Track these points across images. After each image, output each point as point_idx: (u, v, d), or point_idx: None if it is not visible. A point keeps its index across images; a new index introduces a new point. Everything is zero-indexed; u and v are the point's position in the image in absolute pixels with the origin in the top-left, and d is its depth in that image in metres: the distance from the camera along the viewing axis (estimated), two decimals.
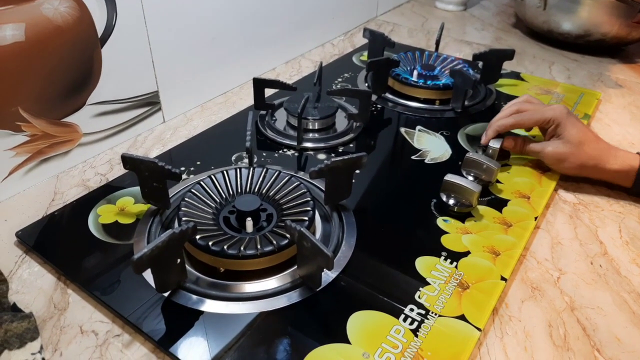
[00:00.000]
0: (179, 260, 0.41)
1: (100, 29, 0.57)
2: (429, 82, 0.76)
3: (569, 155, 0.57)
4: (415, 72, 0.79)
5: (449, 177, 0.53)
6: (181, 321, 0.40)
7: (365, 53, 0.89)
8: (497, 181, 0.58)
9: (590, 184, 0.60)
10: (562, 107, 0.59)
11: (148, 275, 0.43)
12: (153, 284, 0.42)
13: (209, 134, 0.67)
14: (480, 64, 0.79)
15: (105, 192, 0.54)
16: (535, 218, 0.53)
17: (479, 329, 0.40)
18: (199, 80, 0.73)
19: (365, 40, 0.85)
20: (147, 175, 0.49)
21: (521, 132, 0.67)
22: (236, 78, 0.80)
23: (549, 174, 0.60)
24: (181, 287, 0.42)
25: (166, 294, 0.42)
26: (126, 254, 0.46)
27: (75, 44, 0.55)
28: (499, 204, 0.55)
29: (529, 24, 1.04)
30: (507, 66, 0.83)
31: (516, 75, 0.85)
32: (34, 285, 0.44)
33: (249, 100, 0.74)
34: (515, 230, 0.51)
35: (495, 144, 0.60)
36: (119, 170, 0.59)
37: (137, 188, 0.52)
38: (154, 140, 0.66)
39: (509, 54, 0.77)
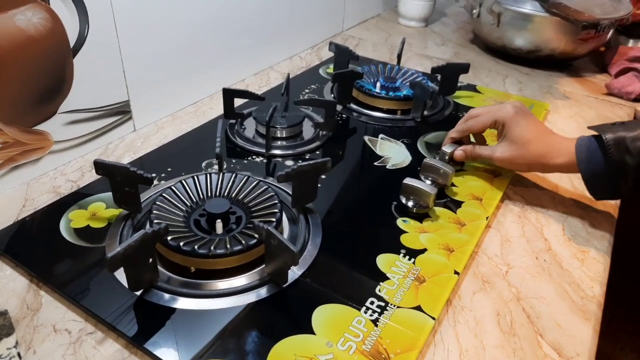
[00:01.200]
0: (151, 260, 0.43)
1: (72, 39, 0.59)
2: (390, 93, 0.80)
3: (516, 156, 0.59)
4: (378, 84, 0.83)
5: (408, 181, 0.57)
6: (154, 318, 0.42)
7: (332, 66, 0.93)
8: (453, 184, 0.62)
9: (537, 188, 0.65)
10: (511, 105, 0.60)
11: (120, 275, 0.44)
12: (126, 284, 0.43)
13: (180, 142, 0.69)
14: (439, 76, 0.84)
15: (77, 198, 0.56)
16: (487, 218, 0.57)
17: (433, 318, 0.44)
18: (170, 90, 0.75)
19: (332, 54, 0.89)
20: (119, 180, 0.50)
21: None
22: (206, 88, 0.82)
23: (500, 178, 0.65)
24: (153, 286, 0.44)
25: (139, 293, 0.43)
26: (98, 256, 0.48)
27: (47, 54, 0.56)
28: (454, 205, 0.59)
29: (485, 40, 1.11)
30: (464, 79, 0.88)
31: (472, 88, 0.91)
32: (7, 287, 0.45)
33: (219, 110, 0.76)
34: (468, 229, 0.55)
35: (447, 149, 0.64)
36: (90, 177, 0.60)
37: (109, 194, 0.53)
38: (125, 148, 0.67)
39: (464, 68, 0.83)
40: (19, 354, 0.37)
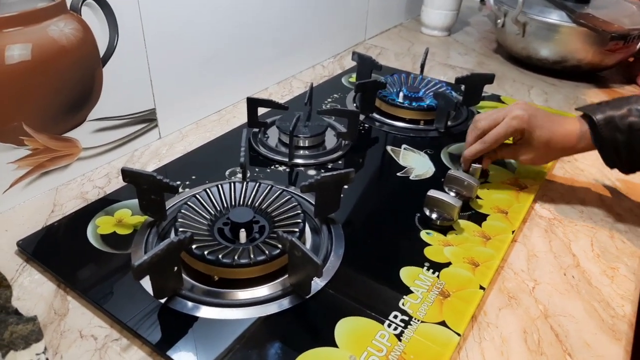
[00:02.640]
0: (176, 268, 0.43)
1: (102, 49, 0.60)
2: (414, 103, 0.80)
3: (541, 156, 0.62)
4: (401, 94, 0.83)
5: (432, 193, 0.56)
6: (177, 326, 0.42)
7: (354, 75, 0.93)
8: (477, 197, 0.61)
9: (564, 202, 0.64)
10: (520, 109, 0.60)
11: (145, 283, 0.45)
12: (150, 291, 0.44)
13: (204, 150, 0.69)
14: (463, 87, 0.83)
15: (103, 204, 0.56)
16: (513, 232, 0.56)
17: (458, 334, 0.43)
18: (195, 99, 0.76)
19: (354, 63, 0.89)
20: (146, 188, 0.51)
21: None
22: (230, 97, 0.83)
23: (526, 191, 0.63)
24: (177, 294, 0.44)
25: (163, 301, 0.44)
26: (124, 263, 0.48)
27: (78, 64, 0.58)
28: (479, 219, 0.58)
29: (509, 49, 1.10)
30: (488, 89, 0.87)
31: (497, 98, 0.90)
32: (35, 292, 0.45)
33: (242, 118, 0.77)
34: (493, 243, 0.54)
35: (476, 164, 0.63)
36: (117, 184, 0.61)
37: (134, 201, 0.54)
38: (150, 155, 0.68)
39: (489, 78, 0.82)
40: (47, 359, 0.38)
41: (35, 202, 0.57)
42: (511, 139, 0.63)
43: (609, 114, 0.57)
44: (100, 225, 0.53)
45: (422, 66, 0.88)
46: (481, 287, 0.48)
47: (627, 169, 0.59)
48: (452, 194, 0.60)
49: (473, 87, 0.82)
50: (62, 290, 0.46)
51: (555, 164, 0.72)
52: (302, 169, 0.66)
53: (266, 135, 0.73)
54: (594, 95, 0.96)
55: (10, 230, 0.52)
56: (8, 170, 0.55)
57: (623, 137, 0.56)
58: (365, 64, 0.87)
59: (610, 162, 0.59)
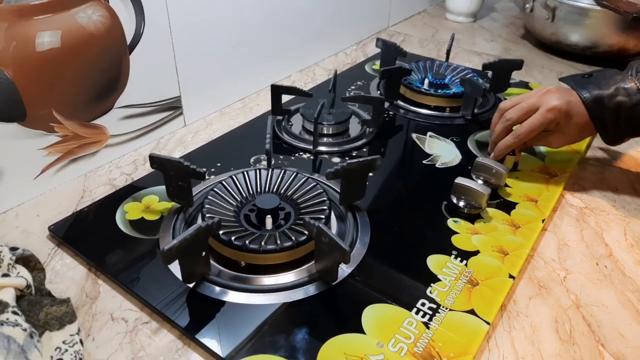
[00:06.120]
0: (204, 253, 0.43)
1: (129, 36, 0.60)
2: (439, 90, 0.79)
3: (574, 140, 0.61)
4: (426, 81, 0.81)
5: (460, 180, 0.55)
6: (205, 310, 0.42)
7: (378, 62, 0.92)
8: (506, 185, 0.60)
9: (596, 190, 0.62)
10: (554, 98, 0.58)
11: (173, 267, 0.45)
12: (179, 276, 0.44)
13: (228, 137, 0.69)
14: (490, 73, 0.81)
15: (131, 190, 0.57)
16: (543, 220, 0.55)
17: (487, 323, 0.42)
18: (219, 87, 0.76)
19: (377, 50, 0.88)
20: (173, 175, 0.51)
21: None
22: (253, 85, 0.83)
23: (556, 179, 0.62)
24: (205, 279, 0.45)
25: (191, 285, 0.44)
26: (152, 248, 0.49)
27: (105, 51, 0.58)
28: (508, 207, 0.57)
29: (538, 35, 1.07)
30: (516, 76, 0.85)
31: (525, 85, 0.87)
32: (67, 275, 0.46)
33: (266, 106, 0.77)
34: (523, 231, 0.53)
35: (509, 155, 0.62)
36: (144, 171, 0.61)
37: (161, 187, 0.54)
38: (175, 143, 0.69)
39: (517, 64, 0.80)
40: (81, 341, 0.38)
41: (65, 188, 0.58)
42: None
43: (596, 93, 0.57)
44: (129, 211, 0.54)
45: (448, 52, 0.86)
46: (511, 276, 0.47)
47: (611, 142, 0.60)
48: (480, 181, 0.58)
49: (501, 73, 0.80)
50: (92, 274, 0.47)
51: (587, 152, 0.70)
52: (326, 156, 0.66)
53: (290, 123, 0.72)
54: None
55: (42, 216, 0.54)
56: (39, 156, 0.56)
57: (611, 117, 0.57)
58: (389, 51, 0.86)
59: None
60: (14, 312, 0.37)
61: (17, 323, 0.36)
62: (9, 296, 0.38)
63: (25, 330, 0.36)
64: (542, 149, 0.68)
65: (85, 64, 0.57)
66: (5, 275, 0.41)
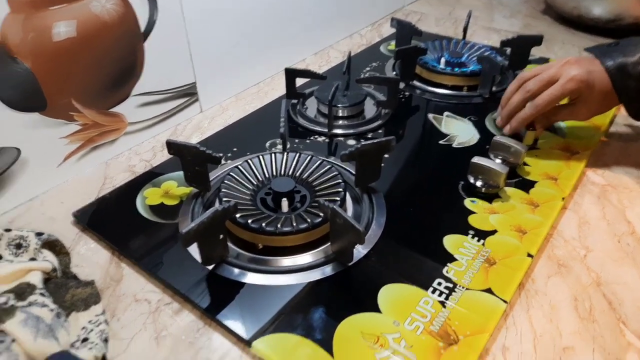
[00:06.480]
0: (222, 236, 0.44)
1: (142, 24, 0.61)
2: (456, 69, 0.77)
3: (598, 111, 0.59)
4: (442, 60, 0.80)
5: (477, 160, 0.55)
6: (225, 292, 0.43)
7: (393, 42, 0.91)
8: (525, 163, 0.59)
9: (618, 167, 0.60)
10: (574, 68, 0.56)
11: (193, 250, 0.46)
12: (198, 259, 0.45)
13: (244, 122, 0.70)
14: (509, 50, 0.79)
15: (150, 177, 0.58)
16: (563, 199, 0.54)
17: (505, 302, 0.42)
18: (234, 72, 0.76)
19: (392, 31, 0.87)
20: (190, 160, 0.52)
21: None
22: (268, 69, 0.83)
23: (577, 157, 0.61)
24: (224, 261, 0.46)
25: (210, 267, 0.45)
26: (172, 232, 0.50)
27: (120, 39, 0.59)
28: (526, 186, 0.56)
29: (559, 9, 1.03)
30: (536, 52, 0.83)
31: (545, 61, 0.85)
32: (91, 260, 0.48)
33: (281, 90, 0.77)
34: (542, 210, 0.52)
35: (529, 129, 0.60)
36: (162, 157, 0.63)
37: (179, 173, 0.55)
38: (192, 129, 0.69)
39: (537, 40, 0.78)
40: (106, 321, 0.40)
41: (87, 175, 0.60)
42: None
43: (620, 60, 0.55)
44: (148, 197, 0.55)
45: (465, 30, 0.85)
46: (529, 255, 0.47)
47: (635, 114, 0.58)
48: (498, 160, 0.58)
49: (520, 50, 0.78)
50: (116, 257, 0.48)
51: (610, 127, 0.68)
52: (341, 139, 0.66)
53: (305, 106, 0.72)
54: None
55: (66, 202, 0.55)
56: (61, 145, 0.57)
57: (636, 85, 0.55)
58: (404, 31, 0.85)
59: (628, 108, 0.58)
60: (42, 294, 0.39)
61: (44, 304, 0.38)
62: (36, 279, 0.40)
63: (52, 310, 0.37)
64: (563, 125, 0.67)
65: (100, 53, 0.57)
66: (33, 259, 0.43)
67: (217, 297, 0.43)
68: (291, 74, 0.71)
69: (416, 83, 0.78)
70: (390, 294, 0.43)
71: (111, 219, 0.52)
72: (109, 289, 0.44)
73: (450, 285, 0.44)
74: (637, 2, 0.89)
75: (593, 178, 0.59)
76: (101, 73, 0.58)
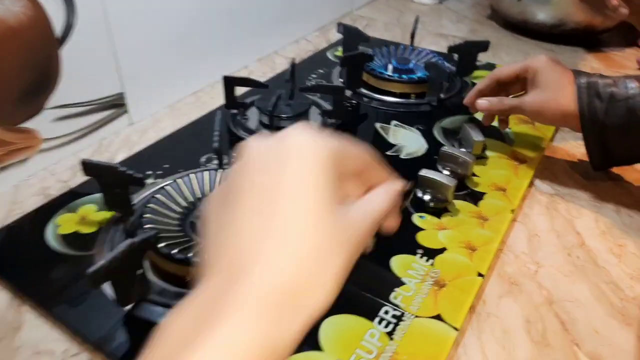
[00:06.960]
0: (140, 271, 0.39)
1: (58, 28, 0.54)
2: (404, 75, 0.75)
3: (549, 100, 0.53)
4: (390, 66, 0.77)
5: (424, 172, 0.52)
6: (145, 336, 0.38)
7: (340, 48, 0.88)
8: (473, 174, 0.57)
9: (566, 175, 0.59)
10: (543, 55, 0.56)
11: (108, 287, 0.41)
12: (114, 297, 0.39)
13: (179, 135, 0.64)
14: (456, 56, 0.78)
15: (67, 200, 0.52)
16: (512, 211, 0.52)
17: (455, 329, 0.39)
18: (168, 80, 0.71)
19: (340, 36, 0.83)
20: (109, 182, 0.46)
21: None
22: (207, 76, 0.77)
23: (525, 166, 0.59)
24: (145, 300, 0.40)
25: (128, 308, 0.40)
26: (86, 266, 0.43)
27: (30, 45, 0.52)
28: (476, 198, 0.54)
29: (504, 15, 1.04)
30: (483, 58, 0.82)
31: (492, 67, 0.84)
32: None
33: (221, 99, 0.71)
34: (491, 224, 0.50)
35: (478, 137, 0.58)
36: (82, 177, 0.56)
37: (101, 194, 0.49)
38: (120, 144, 0.63)
39: (483, 46, 0.76)
40: None
41: None
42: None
43: (593, 79, 0.52)
44: (61, 224, 0.48)
45: (413, 36, 0.83)
46: (479, 274, 0.44)
47: (598, 164, 0.55)
48: (446, 172, 0.55)
49: (467, 56, 0.77)
50: (17, 300, 0.42)
51: (555, 134, 0.67)
52: None
53: (245, 117, 0.67)
54: (593, 61, 0.91)
55: None
56: None
57: (602, 105, 0.51)
58: (351, 36, 0.82)
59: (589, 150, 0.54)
60: None
61: None
62: None
63: None
64: (510, 133, 0.65)
65: (6, 62, 0.50)
66: None
67: (135, 344, 0.37)
68: (230, 82, 0.66)
69: (363, 91, 0.75)
70: (332, 328, 0.39)
71: (14, 253, 0.45)
72: (4, 339, 0.38)
73: (398, 313, 0.40)
74: (578, 8, 0.90)
75: (541, 187, 0.57)
76: (7, 85, 0.51)
